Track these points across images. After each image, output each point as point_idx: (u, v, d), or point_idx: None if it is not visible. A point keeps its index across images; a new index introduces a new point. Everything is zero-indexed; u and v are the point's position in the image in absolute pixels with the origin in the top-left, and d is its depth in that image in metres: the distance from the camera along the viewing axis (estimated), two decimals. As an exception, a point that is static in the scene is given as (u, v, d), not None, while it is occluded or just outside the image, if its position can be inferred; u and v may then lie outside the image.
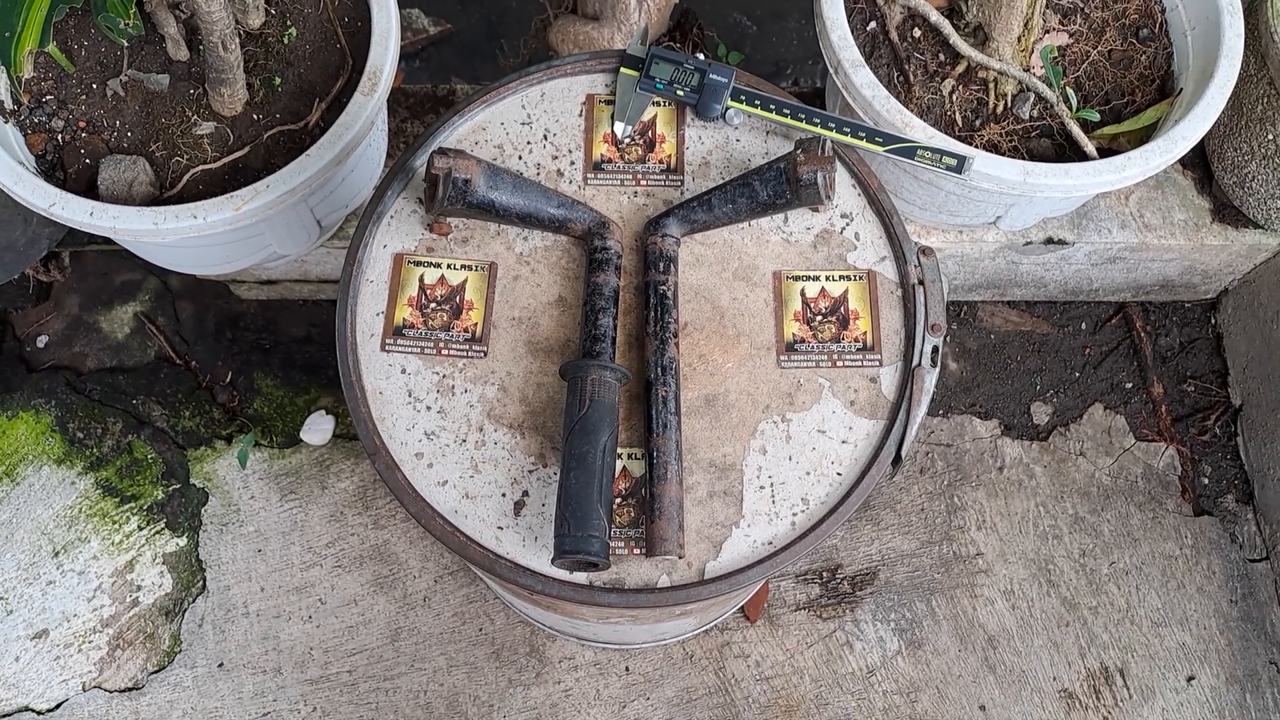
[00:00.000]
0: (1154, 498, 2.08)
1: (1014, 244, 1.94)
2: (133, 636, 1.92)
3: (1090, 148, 1.65)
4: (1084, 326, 2.23)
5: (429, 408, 1.22)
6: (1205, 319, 2.24)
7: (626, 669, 1.91)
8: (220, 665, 1.91)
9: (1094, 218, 1.96)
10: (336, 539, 1.99)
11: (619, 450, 1.19)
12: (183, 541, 1.98)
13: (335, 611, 1.94)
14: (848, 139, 1.34)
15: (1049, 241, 1.94)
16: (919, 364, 1.23)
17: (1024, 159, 1.68)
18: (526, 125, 1.36)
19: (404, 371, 1.23)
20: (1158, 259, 2.03)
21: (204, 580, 1.96)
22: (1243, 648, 1.98)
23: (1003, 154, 1.69)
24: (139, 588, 1.95)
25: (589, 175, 1.33)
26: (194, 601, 1.95)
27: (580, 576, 1.15)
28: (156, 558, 1.97)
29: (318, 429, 2.05)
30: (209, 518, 2.00)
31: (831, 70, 1.65)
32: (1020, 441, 2.12)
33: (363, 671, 1.91)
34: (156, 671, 1.90)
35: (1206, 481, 2.11)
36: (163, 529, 1.98)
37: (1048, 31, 1.74)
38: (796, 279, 1.28)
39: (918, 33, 1.73)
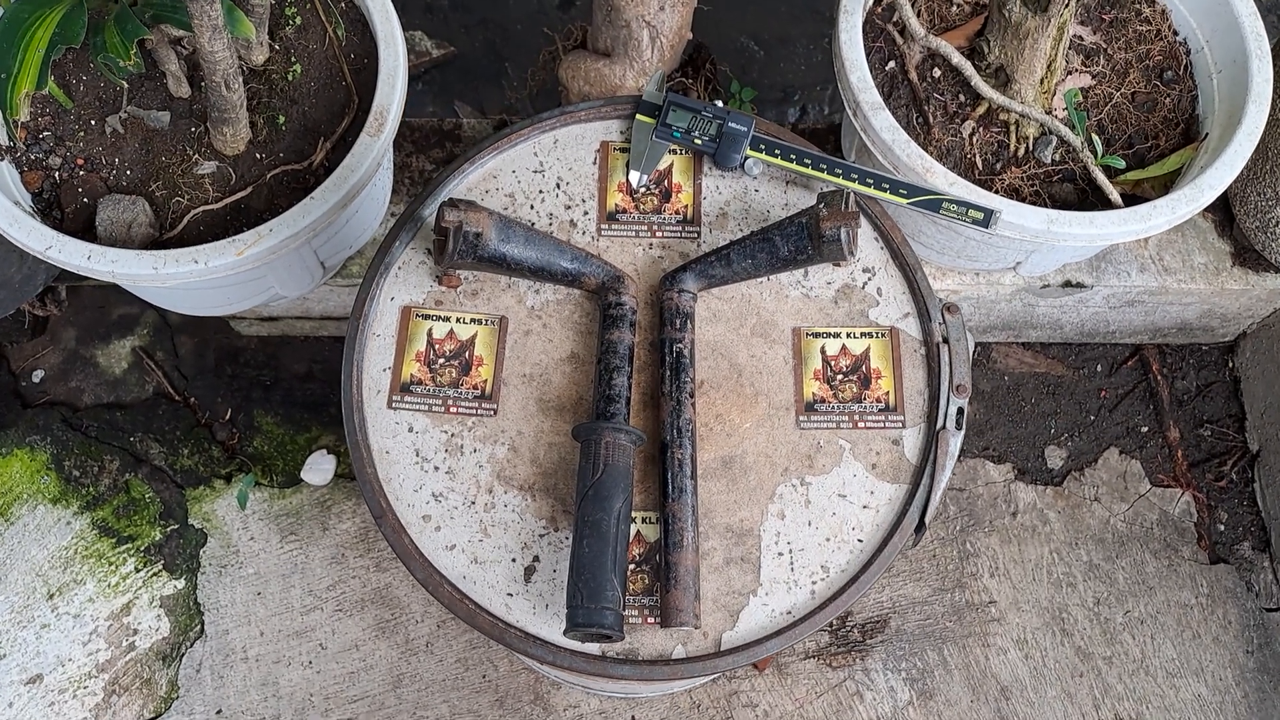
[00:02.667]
0: (1169, 545, 2.04)
1: (1031, 286, 1.90)
2: (129, 682, 1.87)
3: (1115, 195, 1.61)
4: (1100, 369, 2.19)
5: (437, 468, 1.18)
6: (1223, 362, 2.20)
7: (633, 718, 1.87)
8: (218, 712, 1.86)
9: (1113, 260, 1.92)
10: (338, 582, 1.95)
11: (633, 514, 1.15)
12: (181, 584, 1.94)
13: (336, 656, 1.90)
14: (871, 191, 1.30)
15: (1067, 284, 1.90)
16: (943, 426, 1.19)
17: (1045, 204, 1.64)
18: (539, 173, 1.32)
19: (411, 430, 1.19)
20: (1177, 302, 1.99)
21: (202, 624, 1.92)
22: (1259, 699, 1.94)
23: (1023, 199, 1.65)
24: (136, 631, 1.90)
25: (603, 226, 1.30)
26: (192, 646, 1.90)
27: (593, 647, 1.12)
28: (154, 600, 1.92)
29: (319, 468, 2.01)
30: (208, 559, 1.96)
31: (850, 112, 1.62)
32: (1034, 486, 2.08)
33: (364, 719, 1.86)
34: (153, 719, 1.86)
35: (1223, 528, 2.07)
36: (160, 571, 1.94)
37: (1070, 73, 1.70)
38: (816, 336, 1.24)
39: (937, 73, 1.70)
